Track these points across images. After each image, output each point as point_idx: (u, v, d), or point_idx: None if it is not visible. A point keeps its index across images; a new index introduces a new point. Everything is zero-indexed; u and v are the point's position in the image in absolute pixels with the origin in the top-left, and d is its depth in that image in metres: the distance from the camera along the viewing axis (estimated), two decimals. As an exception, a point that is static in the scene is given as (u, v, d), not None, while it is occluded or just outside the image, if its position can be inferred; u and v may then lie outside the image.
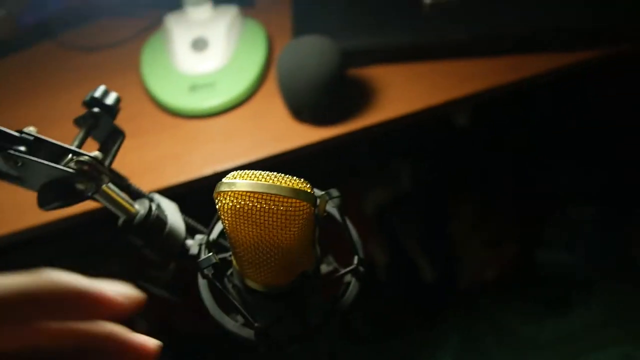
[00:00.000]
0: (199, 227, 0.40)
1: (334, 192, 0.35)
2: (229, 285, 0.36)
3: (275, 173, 0.31)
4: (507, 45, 0.72)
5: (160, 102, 0.70)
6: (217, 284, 0.34)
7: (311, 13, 0.76)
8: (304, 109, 0.66)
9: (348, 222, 0.38)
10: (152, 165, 0.65)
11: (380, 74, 0.73)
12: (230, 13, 0.76)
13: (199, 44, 0.73)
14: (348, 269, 0.36)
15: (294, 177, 0.31)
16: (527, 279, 1.32)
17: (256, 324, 0.33)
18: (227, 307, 0.36)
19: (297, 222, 0.30)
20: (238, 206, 0.30)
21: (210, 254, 0.33)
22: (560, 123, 1.01)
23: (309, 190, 0.31)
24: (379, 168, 1.08)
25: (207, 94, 0.69)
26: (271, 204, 0.29)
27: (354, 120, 0.68)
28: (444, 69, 0.73)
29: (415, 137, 0.97)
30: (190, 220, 0.40)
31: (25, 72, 0.78)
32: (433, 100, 0.70)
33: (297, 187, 0.30)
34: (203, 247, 0.37)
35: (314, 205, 0.30)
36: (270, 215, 0.30)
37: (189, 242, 0.38)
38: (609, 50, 0.71)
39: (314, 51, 0.62)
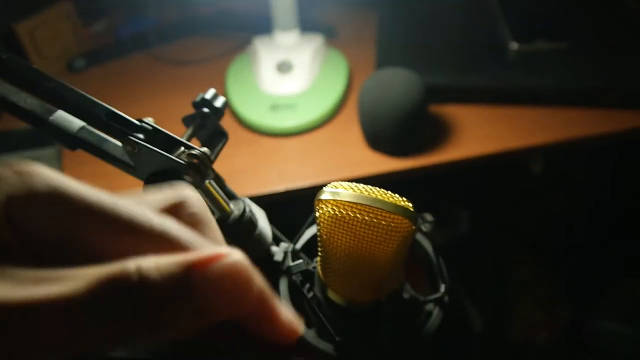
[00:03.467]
0: (282, 236, 0.41)
1: (428, 217, 0.35)
2: (309, 296, 0.36)
3: (377, 188, 0.31)
4: (588, 98, 0.71)
5: (242, 118, 0.72)
6: (304, 290, 0.34)
7: (395, 48, 0.77)
8: (380, 137, 0.67)
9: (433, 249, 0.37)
10: (230, 176, 0.65)
11: (458, 113, 0.73)
12: (316, 40, 0.78)
13: (284, 67, 0.76)
14: (434, 296, 0.35)
15: (396, 194, 0.31)
16: (579, 347, 1.25)
17: (337, 338, 0.32)
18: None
19: (396, 238, 0.30)
20: (340, 215, 0.30)
21: (301, 260, 0.34)
22: (635, 185, 0.97)
23: (411, 209, 0.30)
24: (437, 208, 1.06)
25: (288, 114, 0.71)
26: (373, 217, 0.29)
27: (428, 155, 0.68)
28: (523, 115, 0.72)
29: (481, 182, 0.96)
30: (274, 229, 0.40)
31: (122, 79, 0.83)
32: (508, 145, 0.69)
33: (400, 204, 0.30)
34: (289, 254, 0.37)
35: (415, 223, 0.30)
36: (371, 228, 0.30)
37: (274, 248, 0.38)
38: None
39: (399, 83, 0.63)
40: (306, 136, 0.71)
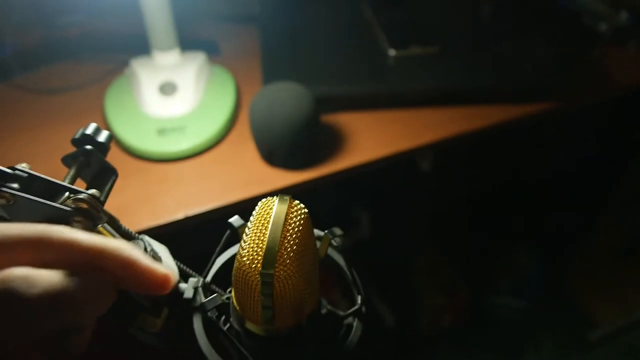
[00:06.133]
0: (190, 270, 0.39)
1: (337, 231, 0.35)
2: (225, 328, 0.34)
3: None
4: (464, 96, 0.77)
5: (127, 146, 0.68)
6: (222, 326, 0.32)
7: (280, 62, 0.78)
8: (276, 152, 0.66)
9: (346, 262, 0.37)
10: (123, 209, 0.62)
11: (349, 121, 0.75)
12: (198, 59, 0.76)
13: (167, 88, 0.72)
14: (352, 309, 0.35)
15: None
16: (479, 324, 1.34)
17: (262, 370, 0.31)
18: (221, 354, 0.34)
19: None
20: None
21: (216, 294, 0.32)
22: (514, 171, 1.07)
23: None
24: (339, 214, 1.08)
25: (177, 138, 0.68)
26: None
27: (324, 165, 0.69)
28: (408, 117, 0.76)
29: (376, 183, 0.99)
30: (180, 264, 0.38)
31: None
32: (399, 147, 0.72)
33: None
34: (199, 289, 0.35)
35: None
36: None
37: (183, 285, 0.36)
38: (557, 104, 0.77)
39: (288, 96, 0.64)
40: (199, 158, 0.69)
